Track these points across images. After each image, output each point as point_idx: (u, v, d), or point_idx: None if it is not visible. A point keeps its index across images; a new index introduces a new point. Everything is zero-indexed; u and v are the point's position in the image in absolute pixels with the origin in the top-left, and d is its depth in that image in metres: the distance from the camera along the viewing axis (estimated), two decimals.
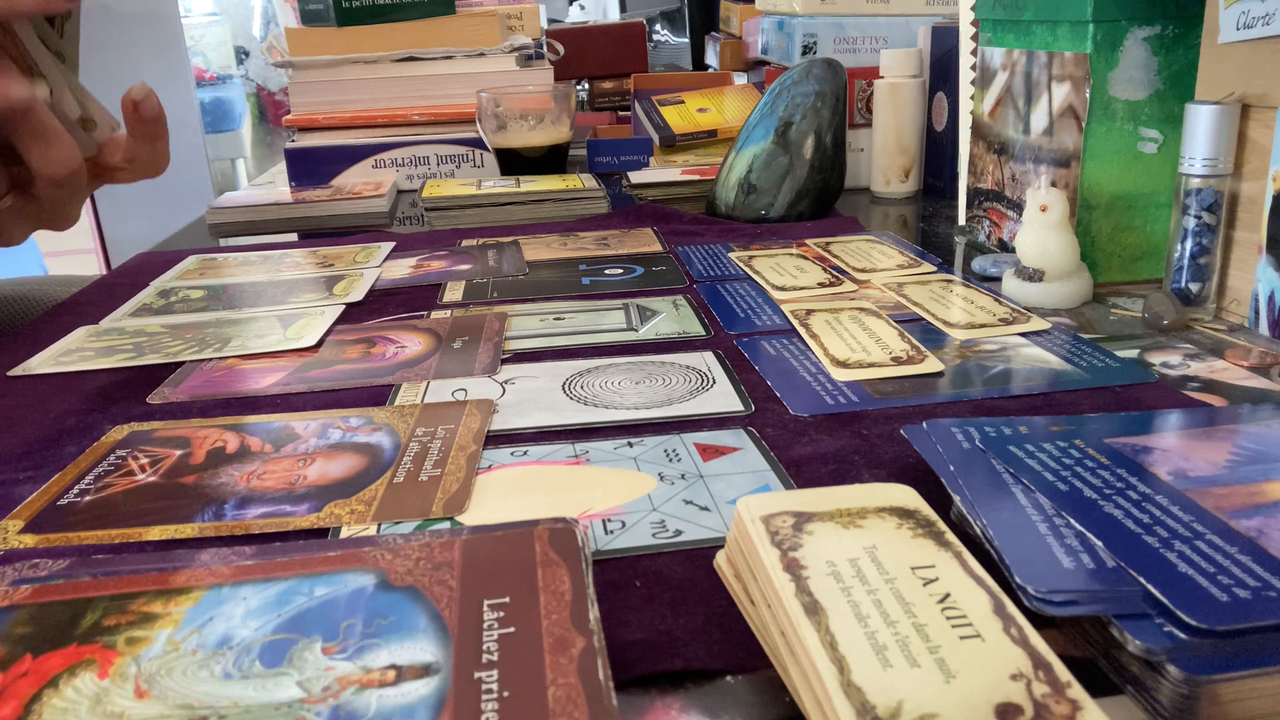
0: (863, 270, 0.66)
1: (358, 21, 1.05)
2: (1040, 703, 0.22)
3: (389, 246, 0.79)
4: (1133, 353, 0.50)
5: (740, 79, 1.32)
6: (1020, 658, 0.23)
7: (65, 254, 2.43)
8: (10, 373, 0.54)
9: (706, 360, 0.51)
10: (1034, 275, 0.58)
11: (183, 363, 0.54)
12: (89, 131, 0.48)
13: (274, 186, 1.08)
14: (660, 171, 0.99)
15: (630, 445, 0.42)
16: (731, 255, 0.72)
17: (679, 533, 0.34)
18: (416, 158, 1.05)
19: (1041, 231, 0.57)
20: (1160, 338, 0.52)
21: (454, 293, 0.66)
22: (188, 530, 0.36)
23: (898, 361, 0.49)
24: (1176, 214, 0.54)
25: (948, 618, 0.25)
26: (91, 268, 2.46)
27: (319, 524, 0.36)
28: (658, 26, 2.12)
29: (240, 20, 4.18)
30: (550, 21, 2.03)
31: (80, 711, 0.25)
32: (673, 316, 0.59)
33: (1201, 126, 0.52)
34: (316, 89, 1.06)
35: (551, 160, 1.00)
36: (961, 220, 0.76)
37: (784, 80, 0.83)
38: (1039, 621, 0.25)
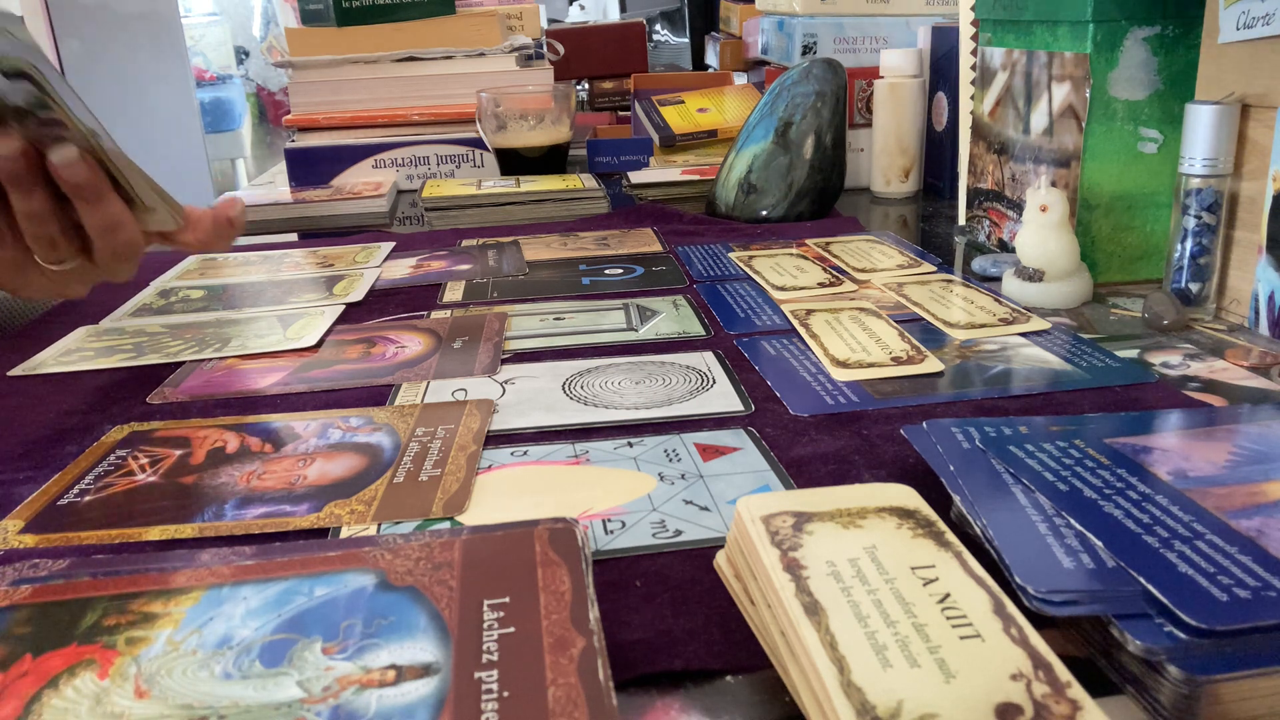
0: (863, 270, 0.66)
1: (358, 21, 1.05)
2: (1040, 703, 0.22)
3: (389, 246, 0.79)
4: (1133, 353, 0.50)
5: (740, 79, 1.32)
6: (1020, 658, 0.23)
7: None
8: (10, 373, 0.54)
9: (706, 360, 0.51)
10: (1034, 275, 0.58)
11: (183, 363, 0.54)
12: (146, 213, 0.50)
13: (274, 186, 1.08)
14: (660, 171, 0.99)
15: (630, 445, 0.42)
16: (731, 255, 0.72)
17: (679, 533, 0.34)
18: (416, 158, 1.05)
19: (1041, 231, 0.57)
20: (1160, 338, 0.52)
21: (454, 293, 0.66)
22: (188, 530, 0.36)
23: (898, 361, 0.49)
24: (1176, 214, 0.54)
25: (948, 618, 0.25)
26: None
27: (319, 524, 0.36)
28: (658, 26, 2.11)
29: (240, 20, 4.18)
30: (550, 21, 2.03)
31: (80, 711, 0.25)
32: (673, 316, 0.59)
33: (1201, 126, 0.52)
34: (316, 89, 1.06)
35: (551, 160, 1.00)
36: (961, 220, 0.76)
37: (784, 80, 0.83)
38: (1039, 621, 0.25)
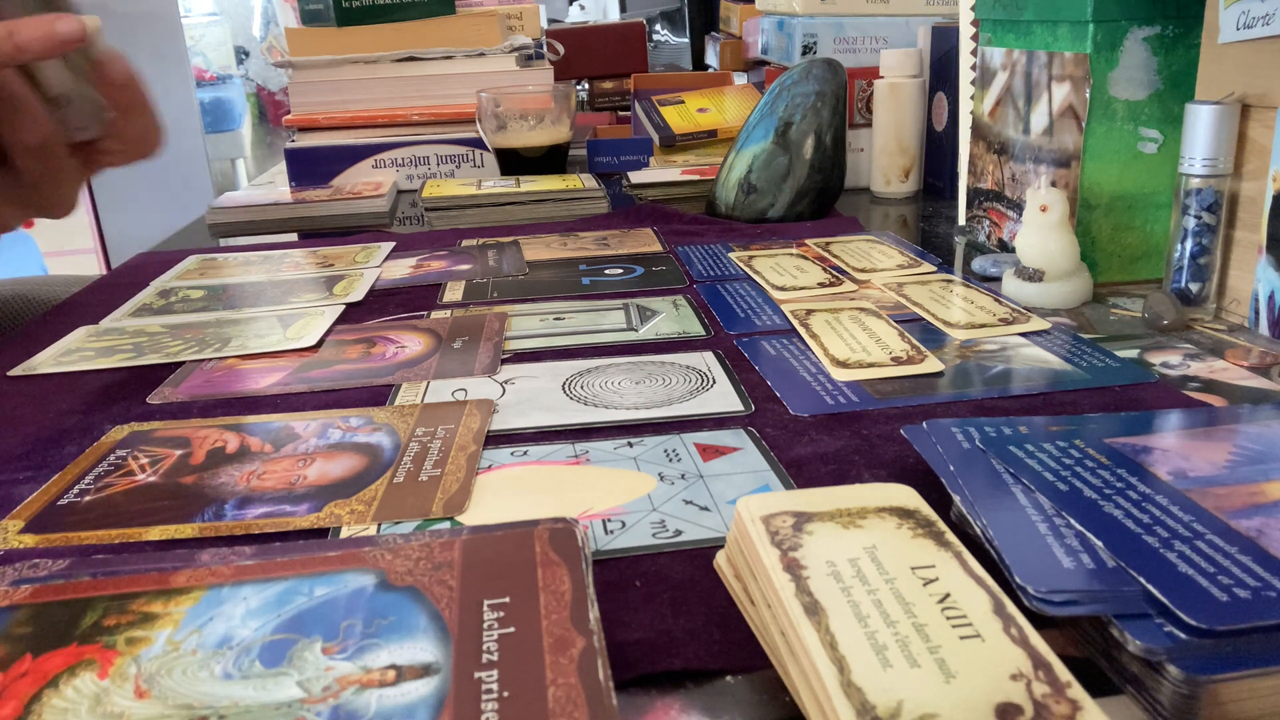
0: (863, 270, 0.66)
1: (358, 21, 1.05)
2: (1040, 703, 0.22)
3: (389, 246, 0.79)
4: (1133, 353, 0.50)
5: (740, 79, 1.32)
6: (1020, 658, 0.23)
7: (65, 254, 2.43)
8: (10, 373, 0.54)
9: (706, 360, 0.51)
10: (1034, 275, 0.58)
11: (183, 363, 0.54)
12: (63, 108, 0.46)
13: (274, 186, 1.08)
14: (660, 171, 0.99)
15: (630, 445, 0.42)
16: (731, 255, 0.72)
17: (679, 533, 0.34)
18: (416, 158, 1.05)
19: (1041, 231, 0.57)
20: (1160, 338, 0.52)
21: (454, 293, 0.66)
22: (188, 530, 0.36)
23: (898, 361, 0.49)
24: (1176, 214, 0.54)
25: (948, 618, 0.25)
26: (91, 268, 2.45)
27: (319, 524, 0.36)
28: (658, 26, 2.12)
29: (240, 20, 4.18)
30: (550, 21, 2.03)
31: (80, 711, 0.25)
32: (673, 316, 0.59)
33: (1201, 126, 0.52)
34: (316, 89, 1.06)
35: (551, 160, 1.00)
36: (961, 220, 0.76)
37: (784, 80, 0.83)
38: (1039, 621, 0.25)
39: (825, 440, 0.41)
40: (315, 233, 0.90)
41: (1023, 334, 0.53)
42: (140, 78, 0.47)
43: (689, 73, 1.59)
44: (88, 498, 0.39)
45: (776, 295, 0.62)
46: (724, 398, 0.46)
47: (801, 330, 0.55)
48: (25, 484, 0.40)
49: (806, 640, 0.24)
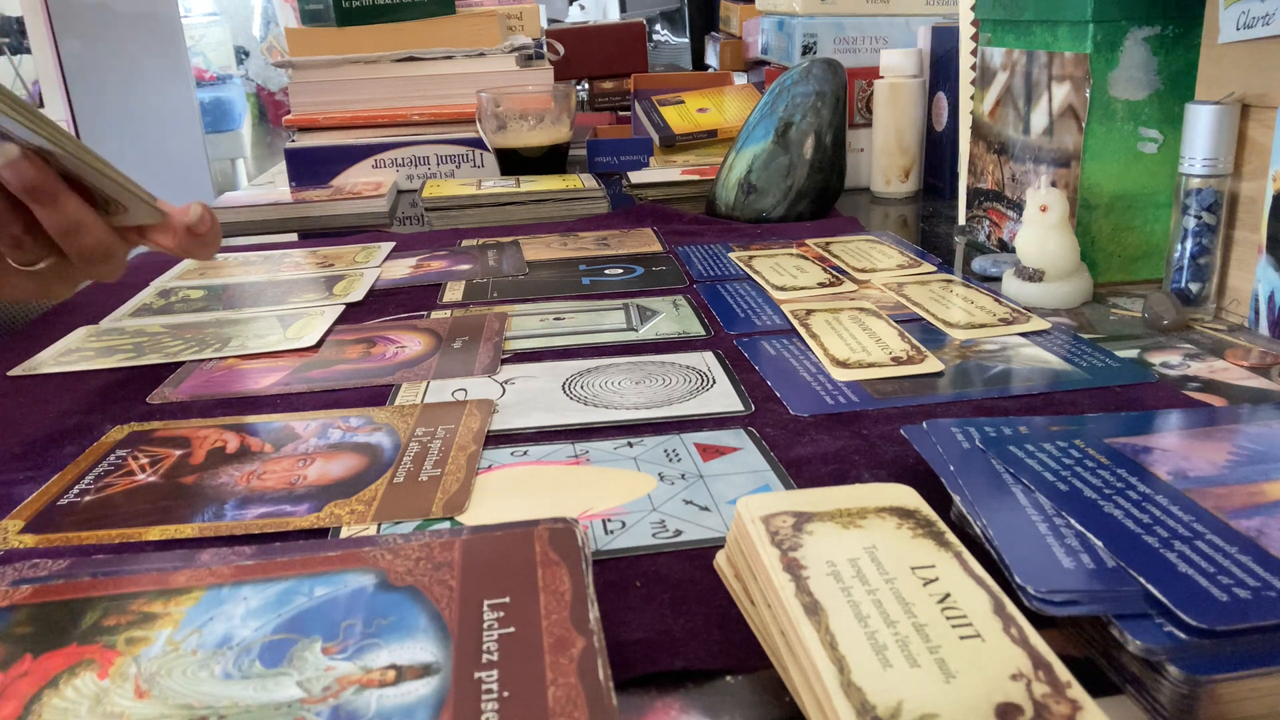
0: (863, 270, 0.66)
1: (358, 21, 1.05)
2: (1040, 703, 0.22)
3: (389, 246, 0.79)
4: (1133, 353, 0.50)
5: (740, 79, 1.32)
6: (1020, 658, 0.23)
7: None
8: (10, 373, 0.54)
9: (706, 360, 0.51)
10: (1034, 275, 0.58)
11: (183, 363, 0.54)
12: (114, 214, 0.48)
13: (274, 186, 1.08)
14: (660, 171, 0.99)
15: (630, 445, 0.42)
16: (731, 255, 0.72)
17: (679, 533, 0.34)
18: (416, 158, 1.05)
19: (1041, 231, 0.57)
20: (1160, 338, 0.52)
21: (454, 293, 0.66)
22: (188, 530, 0.36)
23: (898, 361, 0.49)
24: (1176, 214, 0.54)
25: (948, 618, 0.25)
26: None
27: (319, 524, 0.36)
28: (658, 26, 2.11)
29: (240, 20, 4.18)
30: (550, 21, 2.03)
31: (80, 711, 0.25)
32: (673, 316, 0.59)
33: (1201, 126, 0.52)
34: (316, 89, 1.06)
35: (551, 160, 1.00)
36: (961, 220, 0.76)
37: (784, 80, 0.83)
38: (1039, 621, 0.25)
39: (825, 440, 0.41)
40: (315, 233, 0.90)
41: (1023, 334, 0.53)
42: (217, 222, 0.50)
43: (689, 73, 1.59)
44: (88, 498, 0.39)
45: (776, 295, 0.62)
46: (724, 398, 0.46)
47: (801, 330, 0.55)
48: (25, 484, 0.40)
49: (806, 640, 0.24)
